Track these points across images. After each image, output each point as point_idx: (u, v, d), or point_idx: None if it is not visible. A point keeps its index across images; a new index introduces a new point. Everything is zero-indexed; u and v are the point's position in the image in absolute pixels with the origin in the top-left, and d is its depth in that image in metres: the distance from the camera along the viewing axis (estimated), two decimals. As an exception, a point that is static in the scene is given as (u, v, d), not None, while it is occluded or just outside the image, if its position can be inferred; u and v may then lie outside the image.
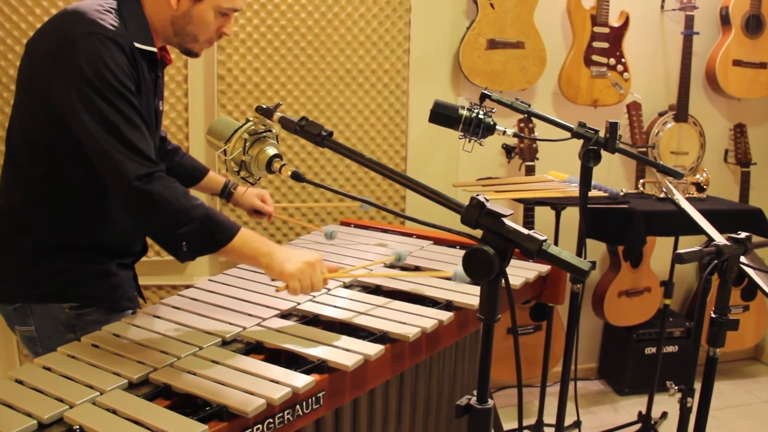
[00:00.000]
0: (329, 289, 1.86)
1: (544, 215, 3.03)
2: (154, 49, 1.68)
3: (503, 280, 1.11)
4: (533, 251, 1.07)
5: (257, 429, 1.30)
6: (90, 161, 1.56)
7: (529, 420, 3.13)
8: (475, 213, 1.10)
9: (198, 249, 1.54)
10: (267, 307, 1.74)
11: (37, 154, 1.63)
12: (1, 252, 1.71)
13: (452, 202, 1.16)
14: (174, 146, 2.16)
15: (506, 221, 1.10)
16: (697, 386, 1.89)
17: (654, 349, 3.54)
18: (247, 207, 2.25)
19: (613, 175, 3.59)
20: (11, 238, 1.68)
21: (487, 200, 1.10)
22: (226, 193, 2.21)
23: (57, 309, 1.69)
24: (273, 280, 1.61)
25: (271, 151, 1.44)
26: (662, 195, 3.08)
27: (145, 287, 2.92)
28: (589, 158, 1.98)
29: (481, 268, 1.08)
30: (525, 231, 1.08)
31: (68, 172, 1.62)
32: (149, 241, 2.84)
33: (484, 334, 1.16)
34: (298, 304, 1.75)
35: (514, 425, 3.15)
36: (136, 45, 1.61)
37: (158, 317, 1.68)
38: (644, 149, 3.41)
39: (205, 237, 1.52)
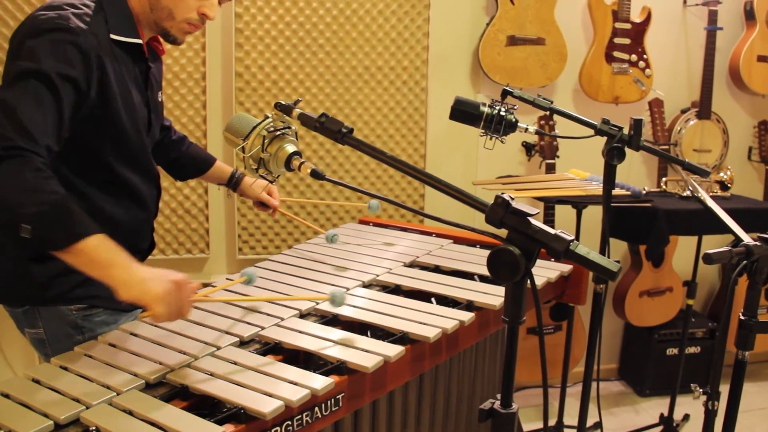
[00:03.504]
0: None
1: (564, 214, 2.99)
2: (138, 41, 1.64)
3: (529, 281, 1.08)
4: (560, 251, 1.04)
5: (275, 431, 1.28)
6: (80, 162, 1.53)
7: (550, 421, 3.10)
8: (500, 212, 1.07)
9: (45, 237, 1.31)
10: (286, 306, 1.71)
11: None
12: (5, 255, 1.68)
13: (476, 200, 1.13)
14: (180, 135, 2.14)
15: (532, 220, 1.07)
16: (721, 389, 1.85)
17: (675, 350, 3.49)
18: (253, 198, 2.23)
19: (635, 174, 3.54)
20: (13, 242, 1.64)
21: (512, 199, 1.07)
22: (233, 183, 2.19)
23: (64, 311, 1.67)
24: (122, 302, 1.34)
25: (291, 148, 1.41)
26: (685, 193, 3.03)
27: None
28: (613, 156, 1.94)
29: (507, 268, 1.05)
30: (552, 230, 1.05)
31: (62, 173, 1.56)
32: (165, 238, 2.86)
33: (509, 337, 1.13)
34: (317, 303, 1.73)
35: (533, 426, 3.12)
36: (115, 38, 1.57)
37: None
38: (666, 147, 3.36)
39: (55, 223, 1.32)
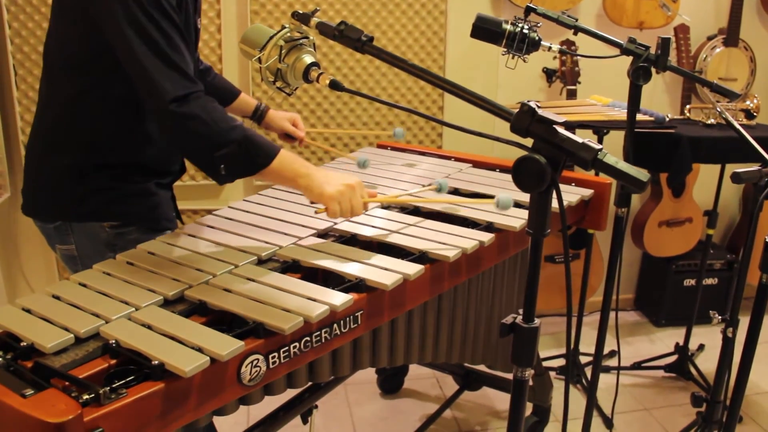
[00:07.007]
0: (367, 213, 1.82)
1: (585, 141, 2.93)
2: None
3: (555, 193, 1.05)
4: (588, 160, 1.00)
5: (294, 347, 1.28)
6: (128, 78, 1.51)
7: (562, 349, 3.12)
8: (526, 119, 1.04)
9: (236, 172, 1.50)
10: (303, 226, 1.70)
11: (74, 71, 1.59)
12: (41, 170, 1.68)
13: (500, 108, 1.10)
14: (206, 66, 2.10)
15: (559, 129, 1.03)
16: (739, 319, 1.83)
17: (693, 281, 3.48)
18: (278, 130, 2.21)
19: (657, 101, 3.46)
20: (50, 157, 1.66)
21: (539, 106, 1.03)
22: (257, 116, 2.17)
23: (97, 228, 1.66)
24: (312, 202, 1.57)
25: (308, 59, 1.37)
26: (710, 121, 2.95)
27: (181, 211, 2.93)
28: (638, 76, 1.88)
29: (532, 177, 1.02)
30: (579, 139, 1.02)
31: (106, 89, 1.58)
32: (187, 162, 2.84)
33: (533, 250, 1.10)
34: (335, 223, 1.71)
35: (548, 353, 3.14)
36: None
37: (193, 236, 1.65)
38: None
39: (243, 160, 1.47)
